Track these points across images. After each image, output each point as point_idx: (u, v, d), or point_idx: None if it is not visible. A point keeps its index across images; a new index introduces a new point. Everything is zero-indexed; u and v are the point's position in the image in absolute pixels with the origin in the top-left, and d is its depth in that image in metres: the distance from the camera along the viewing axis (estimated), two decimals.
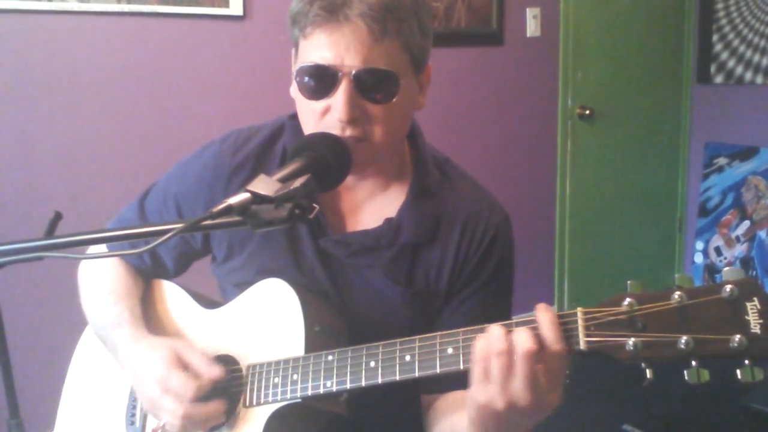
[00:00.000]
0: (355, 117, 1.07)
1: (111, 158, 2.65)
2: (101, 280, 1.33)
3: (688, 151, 4.34)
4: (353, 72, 1.05)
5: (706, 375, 0.84)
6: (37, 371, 2.35)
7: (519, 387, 0.88)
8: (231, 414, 1.17)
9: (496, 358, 0.88)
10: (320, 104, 1.09)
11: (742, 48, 4.00)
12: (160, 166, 1.39)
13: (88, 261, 1.38)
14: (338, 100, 1.06)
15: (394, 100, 1.08)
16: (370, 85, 1.06)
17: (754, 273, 3.98)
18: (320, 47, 1.06)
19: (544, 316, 0.90)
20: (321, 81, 1.07)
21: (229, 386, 1.17)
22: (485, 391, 0.90)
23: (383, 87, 1.07)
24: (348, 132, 1.07)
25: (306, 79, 1.08)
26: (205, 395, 1.13)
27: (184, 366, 1.15)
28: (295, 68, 1.11)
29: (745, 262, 4.04)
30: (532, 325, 0.90)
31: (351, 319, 1.21)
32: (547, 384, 0.89)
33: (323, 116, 1.09)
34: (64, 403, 1.43)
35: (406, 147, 1.25)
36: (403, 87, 1.09)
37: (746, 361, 0.83)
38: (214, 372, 1.14)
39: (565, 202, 3.90)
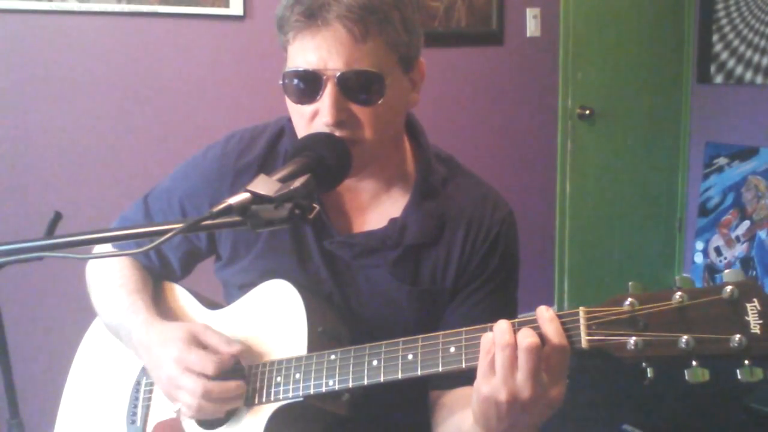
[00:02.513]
0: (342, 120, 1.07)
1: (111, 158, 2.65)
2: (112, 275, 1.33)
3: (688, 151, 4.34)
4: (337, 75, 1.05)
5: (706, 374, 0.85)
6: (37, 371, 2.35)
7: (521, 380, 0.90)
8: (232, 413, 1.17)
9: (501, 351, 0.91)
10: (308, 108, 1.09)
11: (742, 48, 4.00)
12: (160, 166, 1.39)
13: (98, 259, 1.38)
14: (324, 104, 1.06)
15: (381, 100, 1.08)
16: (355, 87, 1.06)
17: (754, 273, 3.98)
18: (304, 52, 1.06)
19: (544, 313, 0.92)
20: (306, 85, 1.07)
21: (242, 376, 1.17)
22: (489, 383, 0.92)
23: (369, 88, 1.07)
24: (337, 135, 1.07)
25: (292, 83, 1.09)
26: (225, 375, 1.13)
27: (203, 345, 1.15)
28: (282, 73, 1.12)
29: (745, 262, 4.04)
30: (534, 324, 0.92)
31: (357, 319, 1.21)
32: (549, 379, 0.91)
33: (312, 120, 1.09)
34: (64, 402, 1.43)
35: (407, 145, 1.25)
36: (390, 86, 1.09)
37: (746, 361, 0.84)
38: (234, 347, 1.14)
39: (565, 202, 3.90)
